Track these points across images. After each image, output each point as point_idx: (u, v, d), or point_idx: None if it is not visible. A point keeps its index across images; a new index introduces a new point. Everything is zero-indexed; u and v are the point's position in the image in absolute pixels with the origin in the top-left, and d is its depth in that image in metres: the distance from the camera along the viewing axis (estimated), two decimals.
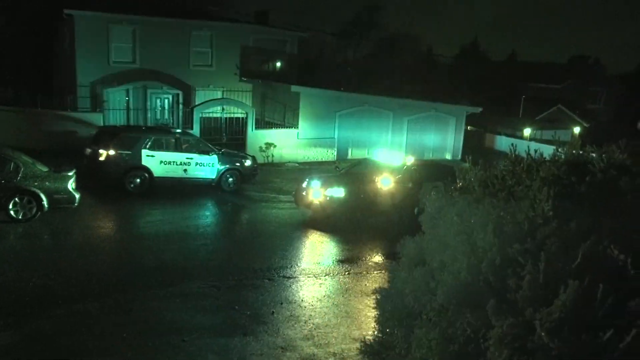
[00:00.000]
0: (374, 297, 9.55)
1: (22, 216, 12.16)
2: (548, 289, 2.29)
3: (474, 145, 30.75)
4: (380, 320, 2.78)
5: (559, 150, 3.51)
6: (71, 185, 12.72)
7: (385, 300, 2.73)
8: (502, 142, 34.85)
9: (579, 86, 44.40)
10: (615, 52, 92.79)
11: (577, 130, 37.12)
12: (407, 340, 2.51)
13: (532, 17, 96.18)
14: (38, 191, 12.22)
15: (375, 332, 2.80)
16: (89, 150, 16.32)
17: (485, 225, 2.34)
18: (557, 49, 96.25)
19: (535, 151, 3.25)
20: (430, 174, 15.99)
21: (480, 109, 28.90)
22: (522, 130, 36.57)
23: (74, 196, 12.72)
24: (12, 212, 12.05)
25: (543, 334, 2.13)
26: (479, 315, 2.18)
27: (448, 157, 27.85)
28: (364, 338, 2.75)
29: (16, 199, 12.07)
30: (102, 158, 15.73)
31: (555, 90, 44.14)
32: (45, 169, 12.61)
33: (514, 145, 3.75)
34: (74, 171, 12.94)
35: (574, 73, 45.44)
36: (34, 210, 12.25)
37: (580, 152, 3.13)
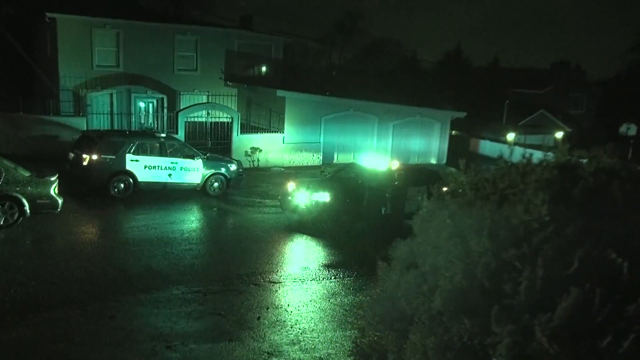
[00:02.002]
0: (359, 301, 9.58)
1: (3, 222, 11.95)
2: (545, 295, 2.29)
3: (458, 150, 30.95)
4: (371, 324, 2.76)
5: (546, 155, 3.53)
6: (54, 190, 12.55)
7: (376, 304, 2.71)
8: (486, 147, 35.14)
9: (561, 92, 44.95)
10: (595, 58, 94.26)
11: (560, 135, 37.56)
12: (399, 344, 2.49)
13: (515, 24, 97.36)
14: (20, 196, 12.03)
15: (366, 336, 2.78)
16: (72, 155, 16.12)
17: (479, 229, 2.33)
18: (539, 55, 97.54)
19: (530, 155, 3.25)
20: (415, 178, 16.08)
21: (464, 114, 29.10)
22: (505, 135, 36.90)
23: (57, 201, 12.55)
24: None
25: (544, 339, 2.12)
26: (475, 322, 2.17)
27: (433, 161, 27.99)
28: (356, 341, 2.73)
29: None
30: (85, 163, 15.54)
31: (538, 96, 44.63)
32: (27, 174, 12.43)
33: (511, 149, 3.76)
34: (56, 176, 12.77)
35: (556, 79, 45.97)
36: (16, 215, 12.06)
37: (569, 156, 3.14)
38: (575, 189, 2.76)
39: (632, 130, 29.37)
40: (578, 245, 2.42)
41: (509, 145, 34.55)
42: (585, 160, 3.02)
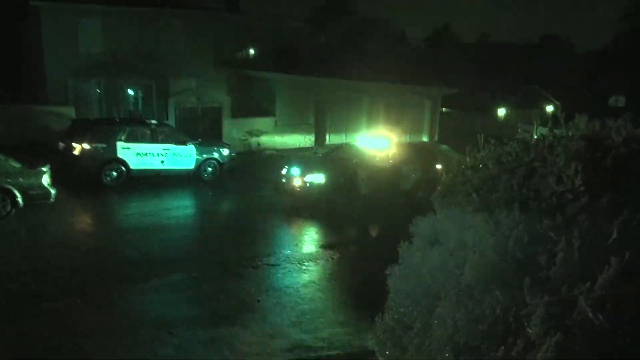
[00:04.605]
0: (358, 281, 9.62)
1: None
2: (584, 266, 2.28)
3: (451, 127, 30.99)
4: (394, 299, 2.76)
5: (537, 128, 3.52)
6: (46, 180, 12.44)
7: (400, 280, 2.71)
8: (478, 123, 35.20)
9: (551, 65, 45.00)
10: (584, 31, 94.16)
11: (550, 109, 37.66)
12: (425, 319, 2.50)
13: None
14: (11, 188, 11.91)
15: (389, 312, 2.78)
16: (62, 145, 15.97)
17: (508, 202, 2.32)
18: (528, 30, 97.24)
19: (554, 130, 3.21)
20: (409, 156, 16.10)
21: (456, 90, 29.09)
22: (496, 111, 36.97)
23: (50, 192, 12.45)
24: None
25: (588, 309, 2.12)
26: (508, 294, 2.17)
27: (425, 139, 28.03)
28: (381, 316, 2.74)
29: None
30: (76, 152, 15.42)
31: (528, 70, 44.66)
32: (18, 165, 12.29)
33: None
34: (48, 166, 12.65)
35: (545, 53, 45.99)
36: (9, 207, 11.95)
37: (598, 127, 3.11)
38: (607, 159, 2.74)
39: (622, 102, 29.49)
40: (615, 215, 2.41)
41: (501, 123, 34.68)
42: (612, 130, 2.99)
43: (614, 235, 2.43)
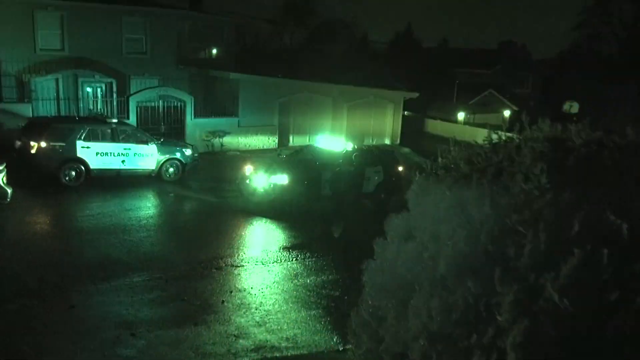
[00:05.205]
0: (321, 281, 9.75)
1: None
2: (549, 257, 2.45)
3: (412, 130, 31.51)
4: (370, 293, 2.89)
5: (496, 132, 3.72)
6: (2, 179, 12.11)
7: (375, 274, 2.84)
8: (438, 127, 35.88)
9: (508, 71, 46.29)
10: (540, 38, 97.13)
11: (507, 113, 38.72)
12: (400, 310, 2.63)
13: (463, 3, 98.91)
14: None
15: (364, 306, 2.91)
16: (19, 143, 15.52)
17: (480, 199, 2.48)
18: (488, 36, 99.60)
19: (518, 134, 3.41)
20: (371, 158, 16.36)
21: (417, 94, 29.57)
22: (456, 115, 37.78)
23: (6, 191, 12.13)
24: None
25: (555, 295, 2.28)
26: (479, 284, 2.32)
27: (387, 142, 28.41)
28: (356, 310, 2.86)
29: None
30: (33, 150, 15.01)
31: (486, 75, 45.82)
32: None
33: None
34: (4, 165, 12.31)
35: (503, 58, 47.27)
36: None
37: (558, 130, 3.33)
38: (569, 159, 2.94)
39: (575, 108, 30.61)
40: (577, 210, 2.59)
41: (460, 124, 35.46)
42: (572, 133, 3.21)
43: (576, 228, 2.63)
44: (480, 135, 3.97)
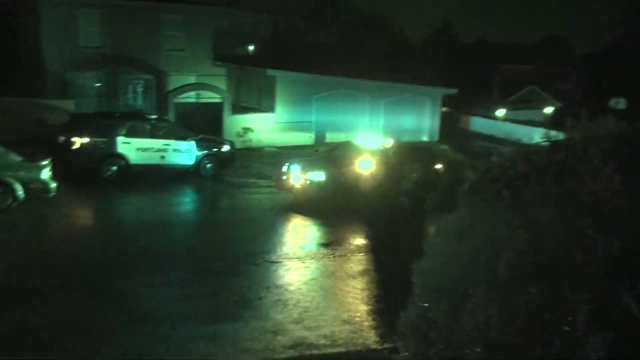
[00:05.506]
0: (359, 278, 9.62)
1: None
2: (624, 263, 2.26)
3: (449, 127, 30.99)
4: (419, 294, 2.75)
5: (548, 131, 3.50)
6: (46, 174, 12.39)
7: (427, 275, 2.70)
8: (477, 124, 35.18)
9: (550, 66, 45.06)
10: (584, 32, 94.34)
11: (549, 110, 37.68)
12: (452, 315, 2.48)
13: None
14: (12, 181, 11.85)
15: (414, 308, 2.77)
16: (62, 139, 15.88)
17: (542, 200, 2.30)
18: (528, 31, 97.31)
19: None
20: (409, 156, 16.10)
21: (456, 90, 29.05)
22: (496, 112, 36.96)
23: (50, 186, 12.40)
24: None
25: (633, 305, 2.11)
26: (543, 291, 2.15)
27: (425, 138, 28.00)
28: (404, 311, 2.73)
29: None
30: (75, 146, 15.35)
31: (527, 71, 44.72)
32: (18, 159, 12.24)
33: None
34: (48, 160, 12.59)
35: (544, 54, 46.07)
36: (9, 201, 11.88)
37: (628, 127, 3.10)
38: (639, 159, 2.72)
39: (622, 104, 29.50)
40: None
41: (500, 121, 34.70)
42: None
43: None
44: (520, 133, 3.77)
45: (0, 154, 11.97)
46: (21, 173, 12.02)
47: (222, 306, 8.44)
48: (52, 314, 7.80)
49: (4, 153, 12.10)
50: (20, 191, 11.90)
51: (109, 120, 16.47)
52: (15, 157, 12.22)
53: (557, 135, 3.03)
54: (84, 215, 13.20)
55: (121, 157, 15.74)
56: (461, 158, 19.77)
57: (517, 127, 28.39)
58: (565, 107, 37.96)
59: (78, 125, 16.07)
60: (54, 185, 12.48)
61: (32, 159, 12.45)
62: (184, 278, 9.43)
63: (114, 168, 15.68)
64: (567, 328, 2.06)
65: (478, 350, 2.26)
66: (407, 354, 2.79)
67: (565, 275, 2.21)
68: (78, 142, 15.35)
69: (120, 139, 15.72)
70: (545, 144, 2.79)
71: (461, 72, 40.49)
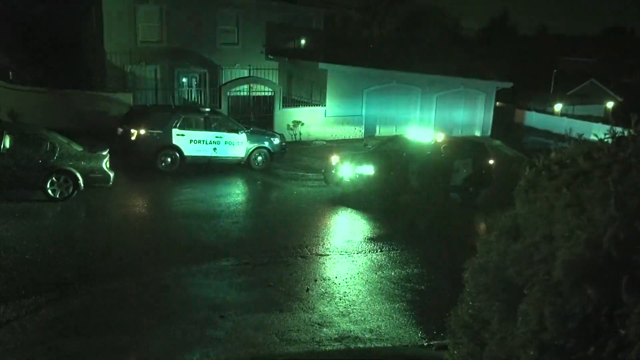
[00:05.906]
0: (406, 274, 9.56)
1: (59, 195, 12.39)
2: None
3: (505, 122, 30.21)
4: (471, 293, 2.72)
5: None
6: (105, 164, 12.91)
7: (479, 274, 2.66)
8: (533, 118, 34.13)
9: (614, 59, 43.09)
10: None
11: (610, 104, 36.12)
12: (505, 315, 2.45)
13: None
14: (74, 170, 12.42)
15: (465, 307, 2.74)
16: (120, 130, 16.49)
17: (603, 199, 2.22)
18: (590, 21, 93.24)
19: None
20: (460, 150, 15.81)
21: (510, 84, 28.31)
22: (552, 106, 35.73)
23: (109, 175, 12.90)
24: (49, 191, 12.29)
25: None
26: (600, 292, 2.09)
27: (477, 133, 27.43)
28: (455, 309, 2.71)
29: (53, 178, 12.30)
30: (133, 137, 15.89)
31: (588, 64, 42.95)
32: (80, 149, 12.79)
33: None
34: (107, 150, 13.11)
35: (608, 45, 44.09)
36: (71, 189, 12.47)
37: None
38: None
39: None
40: None
41: (557, 116, 33.53)
42: None
43: None
44: (578, 128, 3.64)
45: (63, 144, 12.54)
46: (82, 163, 12.57)
47: (270, 296, 8.59)
48: (108, 299, 8.14)
49: (67, 143, 12.67)
50: (80, 180, 12.45)
51: (165, 113, 16.94)
52: (77, 148, 12.78)
53: (622, 131, 2.89)
54: (138, 204, 13.67)
55: (175, 148, 16.19)
56: (515, 154, 19.28)
57: (573, 122, 27.39)
58: (627, 101, 36.23)
59: (135, 117, 16.63)
60: (112, 174, 12.98)
61: (93, 150, 12.99)
62: (234, 268, 9.64)
63: (169, 159, 16.16)
64: (622, 331, 1.99)
65: (531, 353, 2.21)
66: (456, 352, 2.75)
67: (623, 277, 2.13)
68: (135, 133, 15.89)
69: (175, 131, 16.17)
70: (609, 140, 2.66)
71: (518, 64, 39.33)
